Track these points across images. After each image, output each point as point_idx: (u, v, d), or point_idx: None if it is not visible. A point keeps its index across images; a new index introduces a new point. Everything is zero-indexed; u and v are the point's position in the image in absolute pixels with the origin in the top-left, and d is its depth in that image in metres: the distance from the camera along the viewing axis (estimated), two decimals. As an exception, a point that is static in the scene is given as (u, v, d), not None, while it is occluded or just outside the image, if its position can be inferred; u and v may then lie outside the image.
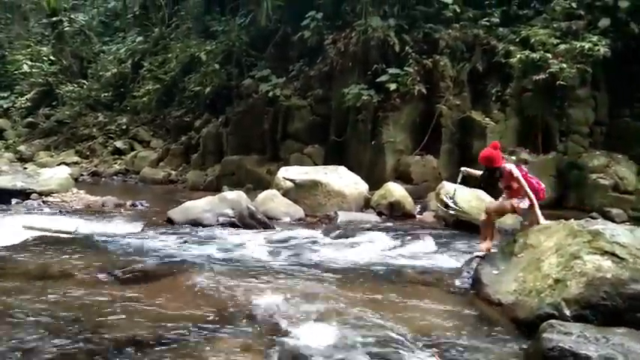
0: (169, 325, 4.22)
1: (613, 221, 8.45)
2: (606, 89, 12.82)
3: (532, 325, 4.16)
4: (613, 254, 4.33)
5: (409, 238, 8.04)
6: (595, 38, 11.73)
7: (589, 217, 8.23)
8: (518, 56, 11.93)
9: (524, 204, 5.70)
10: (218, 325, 4.28)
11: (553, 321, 3.96)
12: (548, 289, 4.42)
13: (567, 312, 4.16)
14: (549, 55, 11.68)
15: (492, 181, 5.87)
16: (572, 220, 5.15)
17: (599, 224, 4.94)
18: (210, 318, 4.44)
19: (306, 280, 5.76)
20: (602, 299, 4.11)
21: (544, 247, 4.93)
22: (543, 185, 5.82)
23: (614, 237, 4.47)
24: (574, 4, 12.59)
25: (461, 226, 8.85)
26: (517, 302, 4.61)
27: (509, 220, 8.98)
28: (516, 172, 5.61)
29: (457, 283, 5.78)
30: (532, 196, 5.59)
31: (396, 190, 10.49)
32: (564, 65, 11.50)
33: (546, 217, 5.59)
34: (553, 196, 11.88)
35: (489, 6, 13.51)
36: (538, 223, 5.53)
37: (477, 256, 5.95)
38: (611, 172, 11.39)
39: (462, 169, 6.27)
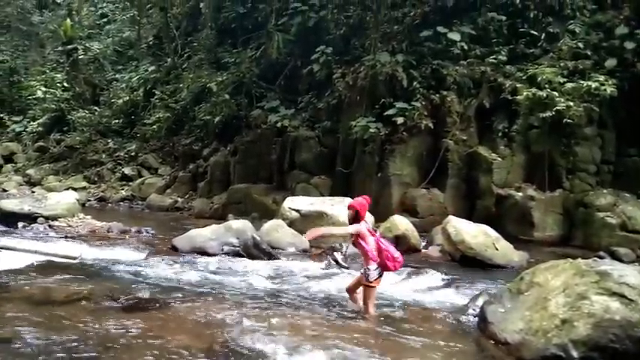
0: (171, 355, 4.17)
1: (621, 261, 8.37)
2: (613, 128, 12.86)
3: (539, 366, 4.08)
4: (622, 295, 4.26)
5: (414, 272, 7.96)
6: (602, 78, 11.86)
7: (596, 256, 8.14)
8: (525, 94, 12.05)
9: (373, 274, 5.50)
10: (219, 357, 4.23)
11: (560, 362, 3.89)
12: (555, 329, 4.35)
13: (575, 353, 4.09)
14: (556, 93, 11.79)
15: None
16: (579, 259, 5.10)
17: (607, 264, 4.89)
18: (212, 349, 4.39)
19: (307, 312, 5.71)
20: (611, 341, 4.03)
21: (551, 286, 4.87)
22: (400, 258, 5.65)
23: (622, 278, 4.41)
24: (581, 45, 12.80)
25: (467, 262, 8.77)
26: (523, 341, 4.53)
27: (515, 257, 8.95)
28: (364, 232, 5.53)
29: (462, 320, 5.70)
30: (370, 254, 5.49)
31: (401, 224, 10.44)
32: (571, 103, 11.60)
33: (552, 255, 5.54)
34: (559, 234, 11.85)
35: (497, 44, 13.73)
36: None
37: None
38: (618, 211, 11.30)
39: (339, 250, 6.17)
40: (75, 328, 4.68)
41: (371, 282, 5.56)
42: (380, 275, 5.59)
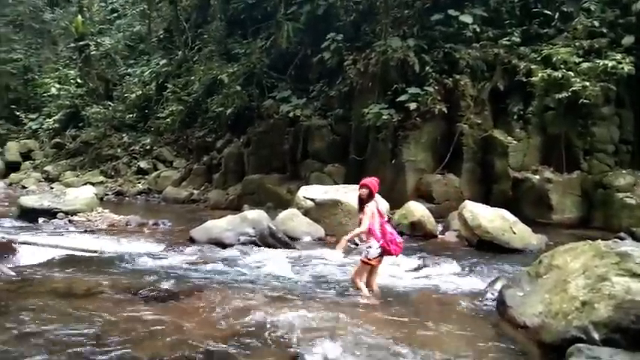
0: (192, 344, 4.23)
1: (641, 242, 8.24)
2: (631, 107, 12.63)
3: (559, 349, 4.06)
4: (643, 276, 4.21)
5: (431, 258, 7.95)
6: (619, 56, 11.61)
7: (616, 237, 8.02)
8: (540, 75, 11.86)
9: (373, 251, 5.63)
10: (238, 346, 4.27)
11: (581, 345, 3.86)
12: (575, 312, 4.31)
13: (596, 335, 4.04)
14: (572, 74, 11.59)
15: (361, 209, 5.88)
16: (598, 240, 5.03)
17: (628, 245, 4.81)
18: (232, 338, 4.43)
19: (325, 300, 5.73)
20: (633, 323, 3.97)
21: (570, 269, 4.82)
22: (400, 242, 5.78)
23: (643, 258, 4.34)
24: (596, 23, 12.53)
25: (484, 246, 8.73)
26: (543, 325, 4.50)
27: (533, 241, 8.88)
28: (373, 211, 5.67)
29: (480, 304, 5.69)
30: (374, 232, 5.59)
31: (417, 210, 10.41)
32: (587, 83, 11.39)
33: (572, 237, 5.49)
34: (578, 216, 11.72)
35: (510, 25, 13.50)
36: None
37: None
38: (638, 192, 11.14)
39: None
40: (97, 320, 4.76)
41: (370, 259, 5.66)
42: (380, 255, 5.70)
